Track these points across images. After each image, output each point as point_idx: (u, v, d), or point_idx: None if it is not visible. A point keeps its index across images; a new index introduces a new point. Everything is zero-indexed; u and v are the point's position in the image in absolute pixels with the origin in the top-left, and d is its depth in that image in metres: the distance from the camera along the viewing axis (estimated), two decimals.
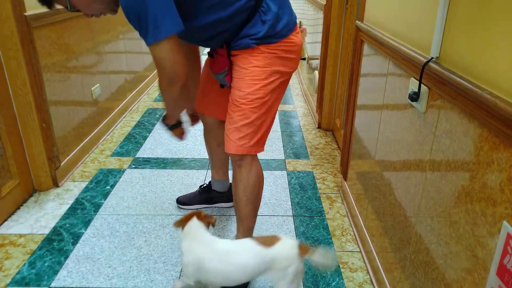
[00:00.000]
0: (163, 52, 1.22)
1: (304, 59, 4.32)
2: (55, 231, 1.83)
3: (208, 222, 1.38)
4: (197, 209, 1.82)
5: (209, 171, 2.37)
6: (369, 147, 1.68)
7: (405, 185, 1.27)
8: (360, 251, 1.74)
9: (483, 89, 0.83)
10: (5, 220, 1.90)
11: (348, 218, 1.97)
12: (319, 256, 1.27)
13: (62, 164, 2.22)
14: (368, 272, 1.62)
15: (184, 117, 1.70)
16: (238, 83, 1.45)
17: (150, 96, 3.74)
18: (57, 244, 1.74)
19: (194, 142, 2.75)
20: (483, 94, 0.81)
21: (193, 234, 1.33)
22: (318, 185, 2.25)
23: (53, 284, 1.53)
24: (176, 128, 1.67)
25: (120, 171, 2.35)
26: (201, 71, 1.77)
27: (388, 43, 1.39)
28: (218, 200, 2.01)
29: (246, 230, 1.60)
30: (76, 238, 1.78)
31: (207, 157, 2.53)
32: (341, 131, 2.65)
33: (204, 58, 1.75)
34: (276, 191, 2.18)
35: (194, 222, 1.34)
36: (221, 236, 1.81)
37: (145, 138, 2.81)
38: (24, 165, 2.05)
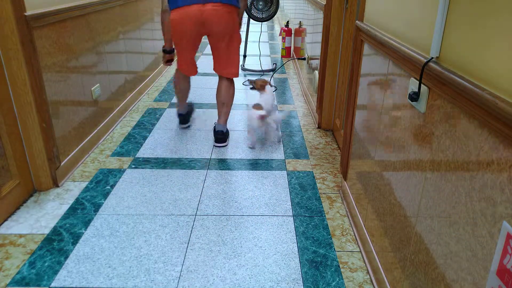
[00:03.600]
0: None
1: (304, 59, 4.32)
2: (55, 231, 1.83)
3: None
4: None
5: (209, 171, 2.38)
6: (369, 147, 1.68)
7: (405, 185, 1.27)
8: (360, 251, 1.74)
9: (483, 89, 0.83)
10: (5, 220, 1.90)
11: (348, 218, 1.97)
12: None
13: (62, 164, 2.23)
14: (368, 272, 1.62)
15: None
16: None
17: (150, 96, 3.74)
18: (57, 244, 1.74)
19: (194, 142, 2.75)
20: (483, 94, 0.81)
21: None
22: (318, 185, 2.26)
23: (53, 284, 1.53)
24: (167, 54, 2.74)
25: (120, 171, 2.35)
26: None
27: (388, 43, 1.39)
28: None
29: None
30: (76, 238, 1.78)
31: (207, 157, 2.54)
32: (341, 131, 2.65)
33: None
34: (276, 191, 2.18)
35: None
36: (221, 237, 1.81)
37: (145, 138, 2.81)
38: (24, 165, 2.05)
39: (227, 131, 2.75)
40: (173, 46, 2.69)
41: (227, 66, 2.62)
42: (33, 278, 1.56)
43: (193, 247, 1.74)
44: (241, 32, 2.64)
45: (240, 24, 2.64)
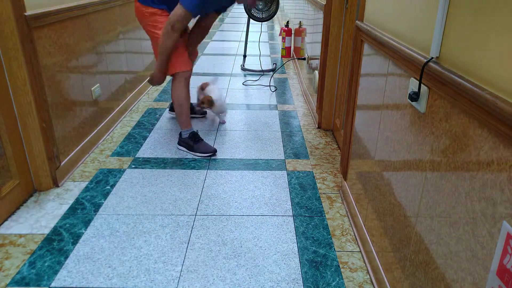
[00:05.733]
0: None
1: (304, 59, 4.32)
2: (55, 231, 1.83)
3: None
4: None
5: (209, 171, 2.38)
6: (369, 147, 1.68)
7: (405, 185, 1.27)
8: (360, 251, 1.74)
9: (483, 89, 0.83)
10: (5, 220, 1.90)
11: (348, 218, 1.97)
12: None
13: (62, 164, 2.22)
14: (368, 272, 1.62)
15: None
16: None
17: (150, 96, 3.74)
18: (57, 244, 1.74)
19: None
20: (483, 94, 0.81)
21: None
22: (318, 185, 2.26)
23: (53, 284, 1.53)
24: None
25: (120, 171, 2.35)
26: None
27: (388, 43, 1.39)
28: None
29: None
30: (76, 238, 1.78)
31: (207, 156, 2.54)
32: (341, 131, 2.65)
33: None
34: (276, 191, 2.18)
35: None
36: (221, 237, 1.81)
37: (145, 138, 2.81)
38: (24, 165, 2.05)
39: (189, 137, 2.58)
40: None
41: None
42: (33, 278, 1.56)
43: (193, 247, 1.74)
44: (155, 32, 2.45)
45: (155, 25, 2.47)
